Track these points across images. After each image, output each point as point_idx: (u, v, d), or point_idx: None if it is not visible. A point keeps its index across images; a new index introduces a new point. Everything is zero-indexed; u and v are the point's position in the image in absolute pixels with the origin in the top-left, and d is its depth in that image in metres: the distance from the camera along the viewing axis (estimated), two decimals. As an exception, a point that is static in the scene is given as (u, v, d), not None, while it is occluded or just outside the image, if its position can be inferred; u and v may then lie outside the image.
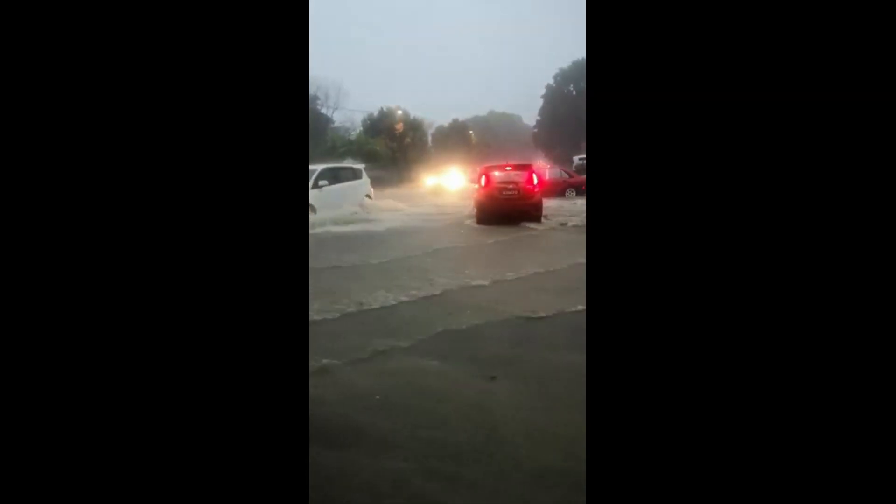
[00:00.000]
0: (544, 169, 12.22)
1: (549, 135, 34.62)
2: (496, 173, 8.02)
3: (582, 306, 3.11)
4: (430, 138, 31.53)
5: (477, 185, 8.40)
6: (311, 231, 6.20)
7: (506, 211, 7.61)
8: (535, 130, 38.64)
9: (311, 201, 7.70)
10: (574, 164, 16.76)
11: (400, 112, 28.20)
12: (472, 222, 8.12)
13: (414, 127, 29.09)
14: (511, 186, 7.73)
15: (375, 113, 27.66)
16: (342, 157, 17.99)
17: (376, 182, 11.94)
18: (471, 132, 33.02)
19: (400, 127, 27.74)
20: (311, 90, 25.35)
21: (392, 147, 26.47)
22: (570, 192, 12.55)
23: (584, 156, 14.09)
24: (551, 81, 36.19)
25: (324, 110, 26.72)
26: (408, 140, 27.94)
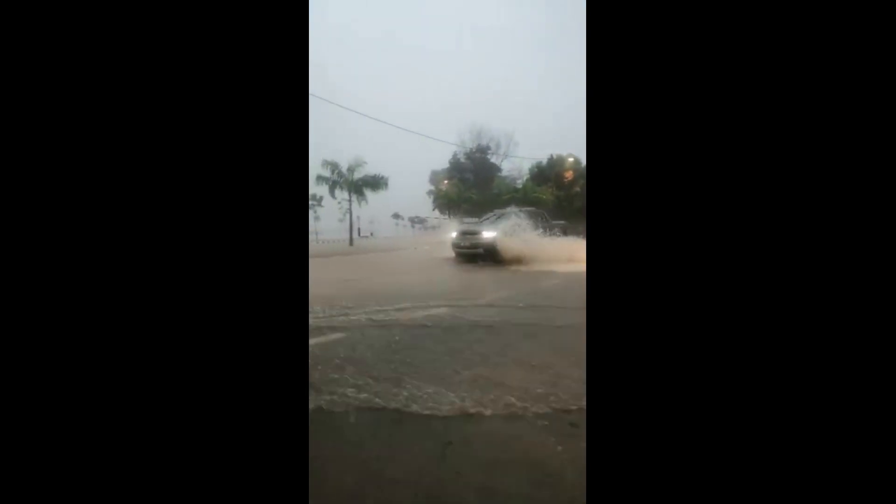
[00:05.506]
0: None
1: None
2: None
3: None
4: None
5: None
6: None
7: None
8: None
9: None
10: None
11: (571, 160, 26.74)
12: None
13: (584, 175, 27.21)
14: None
15: (544, 161, 26.84)
16: (506, 204, 17.55)
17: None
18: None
19: (569, 175, 26.21)
20: (483, 141, 26.17)
21: (559, 196, 25.05)
22: None
23: None
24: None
25: (493, 159, 27.16)
26: (577, 189, 26.16)
